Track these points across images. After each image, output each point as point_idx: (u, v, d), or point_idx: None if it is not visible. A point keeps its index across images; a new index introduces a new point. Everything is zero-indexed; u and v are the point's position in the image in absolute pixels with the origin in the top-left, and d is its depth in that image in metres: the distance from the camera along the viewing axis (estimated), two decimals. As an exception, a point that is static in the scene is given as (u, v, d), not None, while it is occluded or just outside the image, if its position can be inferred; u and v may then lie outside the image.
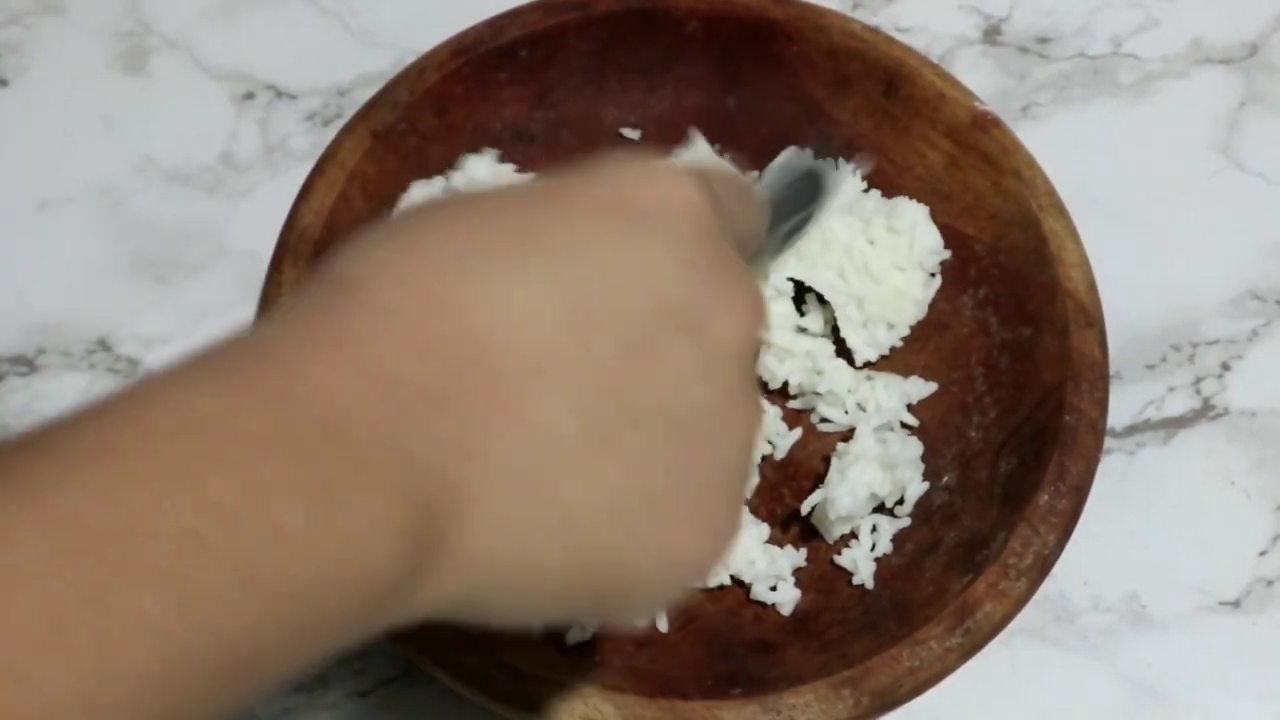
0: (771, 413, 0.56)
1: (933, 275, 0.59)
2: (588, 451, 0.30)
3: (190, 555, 0.23)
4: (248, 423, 0.25)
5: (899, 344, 0.58)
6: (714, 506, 0.33)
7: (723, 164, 0.45)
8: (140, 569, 0.23)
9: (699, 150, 0.57)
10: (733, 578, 0.53)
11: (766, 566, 0.53)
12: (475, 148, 0.61)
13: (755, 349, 0.33)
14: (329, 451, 0.26)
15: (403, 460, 0.26)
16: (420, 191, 0.58)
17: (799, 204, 0.52)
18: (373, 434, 0.26)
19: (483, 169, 0.59)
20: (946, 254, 0.59)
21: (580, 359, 0.29)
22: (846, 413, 0.56)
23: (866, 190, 0.60)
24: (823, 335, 0.58)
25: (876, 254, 0.57)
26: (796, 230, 0.51)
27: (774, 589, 0.53)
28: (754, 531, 0.53)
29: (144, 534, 0.23)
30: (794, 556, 0.54)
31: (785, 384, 0.57)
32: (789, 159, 0.55)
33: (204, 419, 0.25)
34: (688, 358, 0.31)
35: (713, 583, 0.53)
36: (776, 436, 0.56)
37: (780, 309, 0.58)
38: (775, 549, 0.53)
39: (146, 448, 0.24)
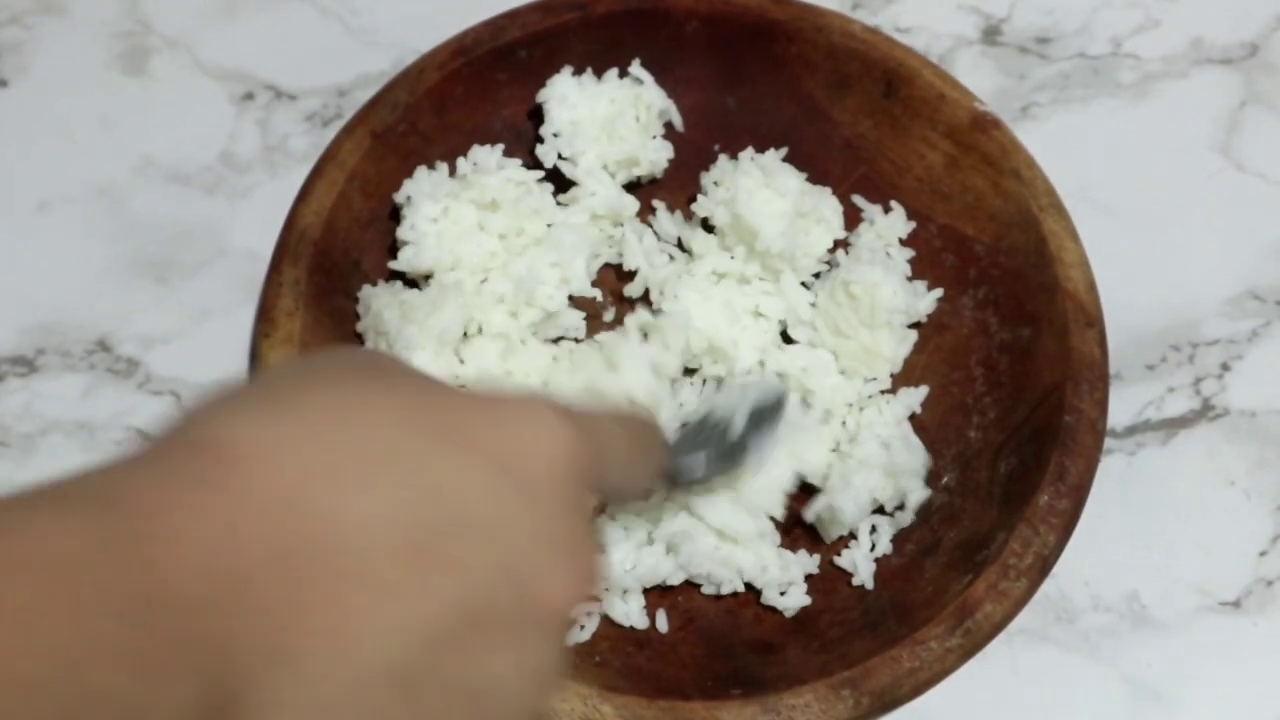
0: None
1: (914, 326, 0.58)
2: (387, 694, 0.30)
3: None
4: (88, 571, 0.26)
5: (875, 394, 0.57)
6: None
7: (618, 406, 0.45)
8: None
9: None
10: (746, 584, 0.53)
11: (779, 573, 0.52)
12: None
13: (575, 607, 0.34)
14: (156, 620, 0.26)
15: (219, 647, 0.27)
16: (425, 180, 0.58)
17: (752, 433, 0.51)
18: (197, 613, 0.27)
19: (490, 159, 0.60)
20: (921, 315, 0.58)
21: (410, 601, 0.30)
22: (844, 425, 0.56)
23: (833, 250, 0.60)
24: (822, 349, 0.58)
25: (843, 313, 0.57)
26: (731, 462, 0.51)
27: (783, 594, 0.53)
28: (769, 539, 0.53)
29: None
30: (806, 562, 0.53)
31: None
32: (750, 391, 0.53)
33: (48, 559, 0.26)
34: (508, 627, 0.32)
35: (726, 590, 0.53)
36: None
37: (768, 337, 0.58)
38: (788, 554, 0.53)
39: None
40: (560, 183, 0.61)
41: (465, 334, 0.57)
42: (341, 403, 0.32)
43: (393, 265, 0.58)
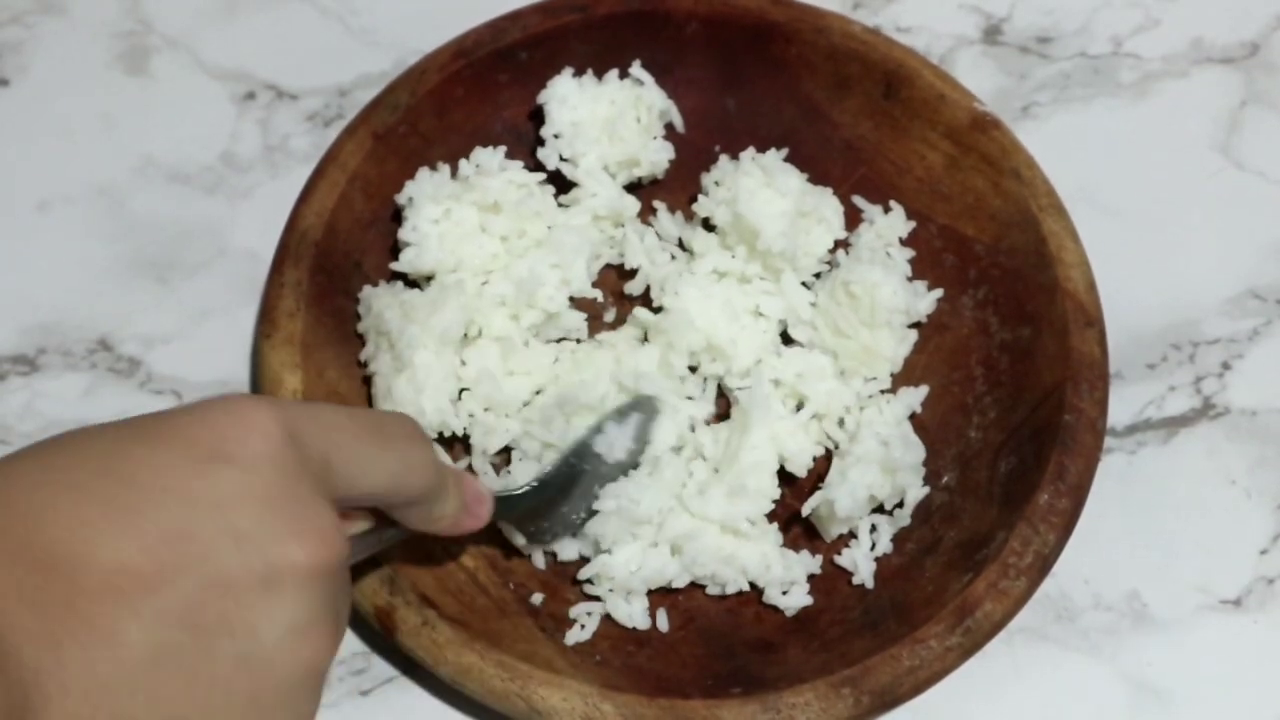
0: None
1: (914, 326, 0.58)
2: (158, 670, 0.33)
3: None
4: None
5: (875, 394, 0.57)
6: None
7: (372, 415, 0.46)
8: None
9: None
10: (750, 583, 0.53)
11: (782, 572, 0.52)
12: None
13: (331, 571, 0.36)
14: None
15: (7, 648, 0.31)
16: (427, 182, 0.58)
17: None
18: None
19: (492, 161, 0.60)
20: (921, 315, 0.58)
21: (156, 584, 0.33)
22: (842, 424, 0.56)
23: (833, 250, 0.60)
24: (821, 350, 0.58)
25: (843, 313, 0.57)
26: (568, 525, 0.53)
27: (785, 593, 0.53)
28: (772, 537, 0.53)
29: None
30: (809, 562, 0.53)
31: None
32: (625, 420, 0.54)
33: None
34: (257, 589, 0.35)
35: (730, 589, 0.53)
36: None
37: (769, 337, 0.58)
38: (791, 554, 0.53)
39: None
40: (561, 184, 0.61)
41: (466, 335, 0.57)
42: (64, 436, 0.36)
43: (394, 266, 0.58)
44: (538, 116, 0.62)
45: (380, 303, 0.55)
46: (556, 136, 0.60)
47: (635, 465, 0.54)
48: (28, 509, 0.33)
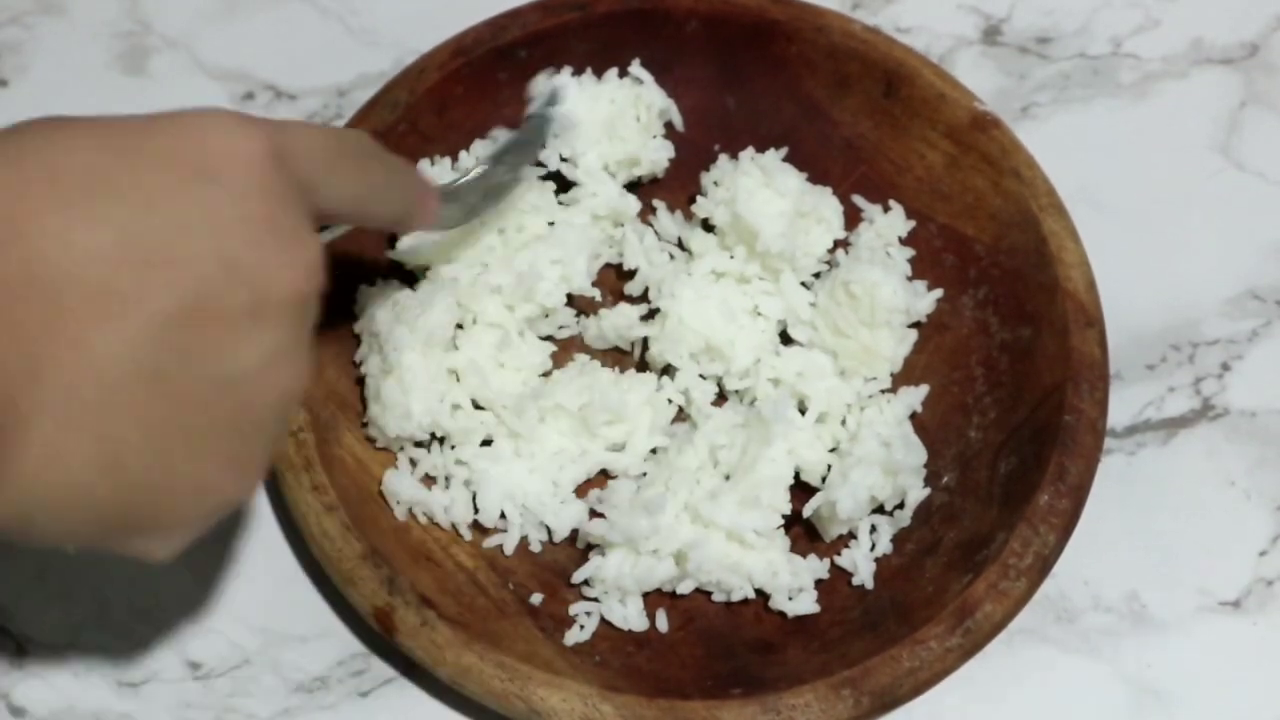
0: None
1: (914, 326, 0.58)
2: (141, 391, 0.33)
3: None
4: None
5: (875, 394, 0.57)
6: (250, 451, 0.37)
7: (340, 132, 0.46)
8: None
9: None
10: (756, 590, 0.53)
11: (790, 579, 0.52)
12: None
13: (312, 301, 0.37)
14: None
15: None
16: (427, 172, 0.58)
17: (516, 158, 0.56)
18: None
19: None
20: (921, 315, 0.58)
21: (141, 303, 0.32)
22: (844, 423, 0.56)
23: (833, 250, 0.60)
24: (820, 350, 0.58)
25: (842, 312, 0.57)
26: (496, 191, 0.55)
27: (791, 599, 0.53)
28: (779, 543, 0.53)
29: None
30: (816, 567, 0.53)
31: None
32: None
33: None
34: (243, 314, 0.34)
35: (736, 597, 0.53)
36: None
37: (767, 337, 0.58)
38: (799, 559, 0.53)
39: None
40: (561, 184, 0.61)
41: (460, 325, 0.57)
42: (39, 135, 0.34)
43: (391, 254, 0.58)
44: (537, 116, 0.62)
45: (373, 303, 0.55)
46: (555, 136, 0.60)
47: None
48: (5, 198, 0.32)
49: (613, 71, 0.61)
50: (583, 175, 0.60)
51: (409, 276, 0.59)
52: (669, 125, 0.63)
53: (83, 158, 0.33)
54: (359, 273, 0.58)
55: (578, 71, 0.61)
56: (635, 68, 0.61)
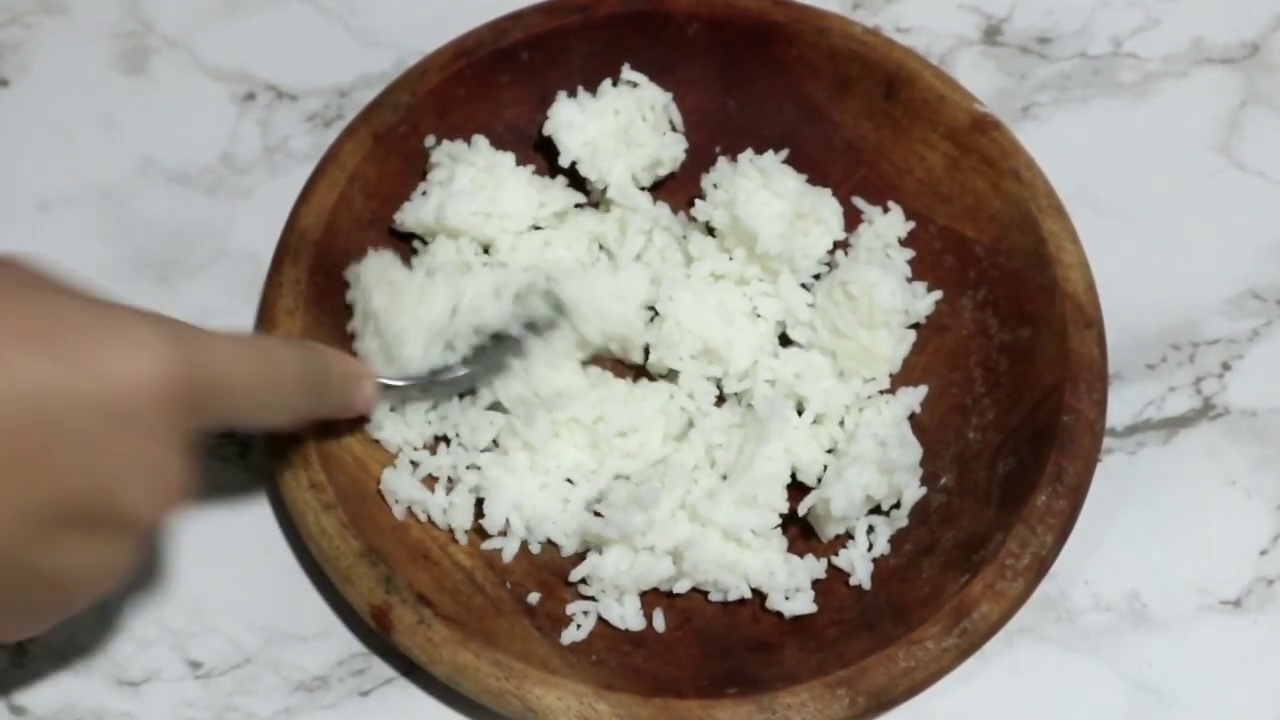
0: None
1: (913, 327, 0.58)
2: None
3: None
4: None
5: (874, 394, 0.57)
6: (48, 617, 0.43)
7: (257, 342, 0.50)
8: None
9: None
10: (753, 589, 0.53)
11: (786, 579, 0.52)
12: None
13: (162, 523, 0.41)
14: None
15: None
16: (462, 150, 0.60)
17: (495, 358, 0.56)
18: None
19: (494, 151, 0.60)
20: (920, 316, 0.58)
21: (11, 492, 0.37)
22: (842, 424, 0.56)
23: (832, 252, 0.60)
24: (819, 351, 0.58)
25: (841, 313, 0.57)
26: (452, 385, 0.55)
27: (788, 599, 0.53)
28: (776, 543, 0.53)
29: None
30: (813, 567, 0.53)
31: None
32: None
33: None
34: (94, 526, 0.39)
35: (733, 596, 0.53)
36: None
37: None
38: (795, 559, 0.53)
39: None
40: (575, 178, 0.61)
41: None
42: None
43: (400, 221, 0.59)
44: (539, 117, 0.61)
45: (369, 277, 0.55)
46: (574, 164, 0.60)
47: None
48: None
49: (606, 82, 0.61)
50: (617, 194, 0.60)
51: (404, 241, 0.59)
52: (670, 125, 0.63)
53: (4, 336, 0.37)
54: (350, 244, 0.58)
55: (579, 74, 0.61)
56: (626, 72, 0.61)
